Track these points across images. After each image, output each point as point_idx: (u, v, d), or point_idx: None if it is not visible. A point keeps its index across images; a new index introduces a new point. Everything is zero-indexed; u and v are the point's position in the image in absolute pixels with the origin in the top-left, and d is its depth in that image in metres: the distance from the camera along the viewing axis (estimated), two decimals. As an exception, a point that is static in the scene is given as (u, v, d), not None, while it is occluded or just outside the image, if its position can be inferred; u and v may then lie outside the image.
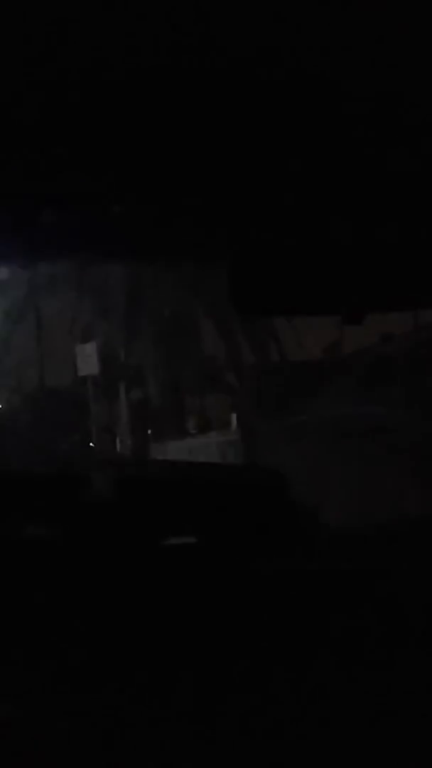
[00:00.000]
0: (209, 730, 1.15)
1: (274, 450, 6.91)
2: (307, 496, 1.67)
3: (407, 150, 1.32)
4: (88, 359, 8.54)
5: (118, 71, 1.11)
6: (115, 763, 1.13)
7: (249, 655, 1.28)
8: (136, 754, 1.13)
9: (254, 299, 1.58)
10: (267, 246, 1.53)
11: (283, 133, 1.25)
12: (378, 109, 1.22)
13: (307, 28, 1.03)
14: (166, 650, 1.31)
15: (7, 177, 1.31)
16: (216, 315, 9.40)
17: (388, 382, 7.01)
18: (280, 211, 1.48)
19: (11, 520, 1.57)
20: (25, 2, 0.95)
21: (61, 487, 1.68)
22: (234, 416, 9.82)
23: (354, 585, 1.43)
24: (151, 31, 1.04)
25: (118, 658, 1.30)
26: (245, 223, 1.52)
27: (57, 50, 1.07)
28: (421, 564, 1.46)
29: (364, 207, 1.46)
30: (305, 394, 7.42)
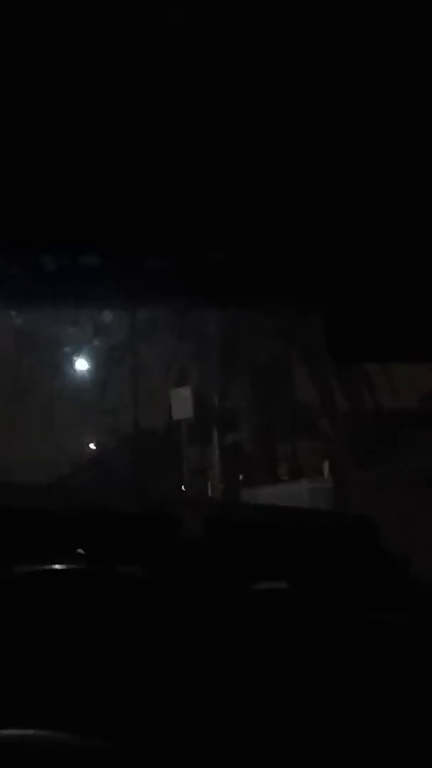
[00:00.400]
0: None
1: (366, 498, 6.82)
2: (399, 546, 1.65)
3: None
4: (182, 403, 8.61)
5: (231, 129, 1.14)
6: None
7: (333, 703, 1.27)
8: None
9: (351, 346, 1.59)
10: (364, 294, 1.54)
11: (386, 185, 1.27)
12: None
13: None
14: (249, 693, 1.31)
15: (114, 226, 1.37)
16: (310, 361, 9.38)
17: None
18: (378, 260, 1.49)
19: (104, 557, 1.61)
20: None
21: (155, 528, 1.71)
22: (326, 463, 9.73)
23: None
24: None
25: (200, 699, 1.30)
26: (343, 271, 1.54)
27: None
28: None
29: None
30: (399, 443, 7.31)
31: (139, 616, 1.46)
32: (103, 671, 1.37)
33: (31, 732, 1.07)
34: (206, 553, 1.65)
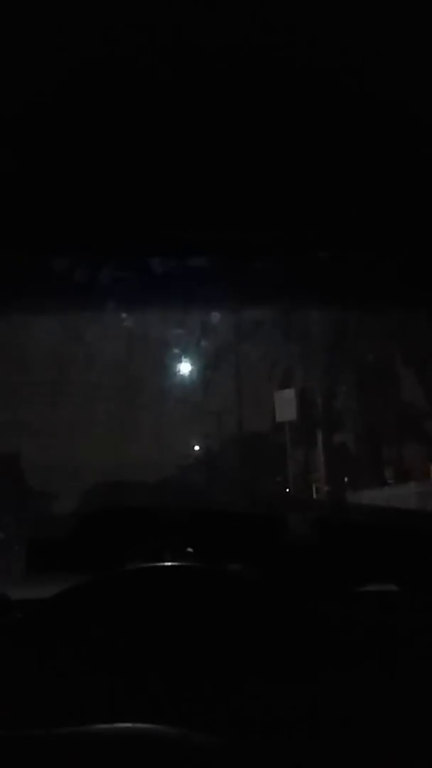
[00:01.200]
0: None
1: None
2: None
3: None
4: (286, 405, 8.56)
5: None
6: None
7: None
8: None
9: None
10: None
11: None
12: None
13: None
14: (355, 696, 1.30)
15: (220, 227, 1.38)
16: (417, 362, 9.19)
17: None
18: None
19: (213, 555, 1.62)
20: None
21: (262, 527, 1.71)
22: (434, 466, 9.52)
23: None
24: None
25: (306, 700, 1.30)
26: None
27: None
28: None
29: None
30: None
31: (246, 614, 1.46)
32: (209, 668, 1.38)
33: (144, 726, 1.09)
34: (314, 554, 1.65)
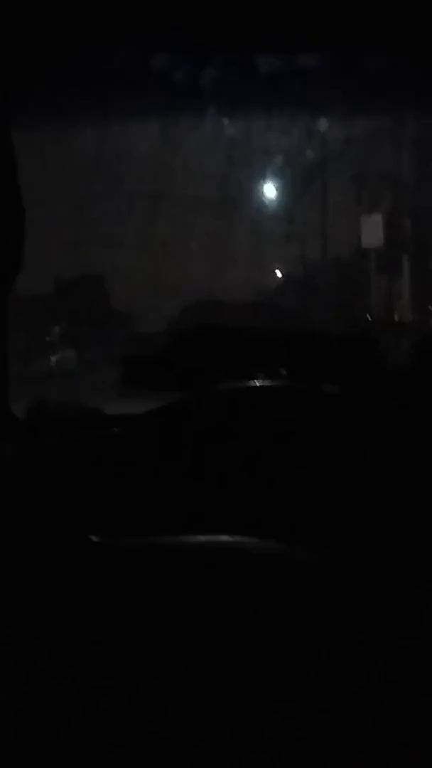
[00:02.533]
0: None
1: None
2: None
3: None
4: (373, 230, 8.32)
5: None
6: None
7: None
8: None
9: None
10: None
11: None
12: None
13: None
14: None
15: (330, 18, 1.26)
16: None
17: None
18: None
19: (306, 375, 1.60)
20: None
21: (356, 349, 1.68)
22: None
23: None
24: None
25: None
26: None
27: None
28: None
29: None
30: None
31: (340, 435, 1.45)
32: (299, 484, 1.38)
33: (244, 539, 1.10)
34: (412, 378, 1.62)
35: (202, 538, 1.11)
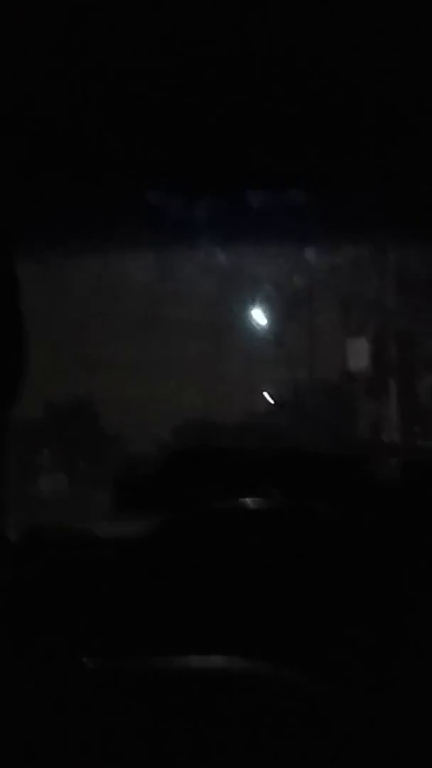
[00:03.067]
0: None
1: None
2: None
3: None
4: (359, 354, 8.48)
5: None
6: None
7: None
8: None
9: None
10: None
11: None
12: None
13: None
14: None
15: (317, 157, 1.34)
16: None
17: None
18: None
19: (297, 494, 1.62)
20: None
21: (347, 469, 1.70)
22: None
23: None
24: None
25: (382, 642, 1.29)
26: None
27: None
28: None
29: None
30: None
31: (330, 554, 1.46)
32: (291, 602, 1.38)
33: (235, 660, 1.09)
34: (402, 498, 1.63)
35: (196, 659, 1.10)
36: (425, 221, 1.55)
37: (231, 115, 1.28)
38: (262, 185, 1.46)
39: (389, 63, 1.15)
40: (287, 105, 1.24)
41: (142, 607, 1.37)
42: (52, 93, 1.24)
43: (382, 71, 1.14)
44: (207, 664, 1.08)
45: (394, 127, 1.25)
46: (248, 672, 1.08)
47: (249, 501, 1.58)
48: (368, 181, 1.41)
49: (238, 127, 1.30)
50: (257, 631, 1.33)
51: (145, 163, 1.40)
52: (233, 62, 1.18)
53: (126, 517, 1.70)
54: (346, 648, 1.31)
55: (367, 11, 1.07)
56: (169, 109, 1.26)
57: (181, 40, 1.13)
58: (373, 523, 1.53)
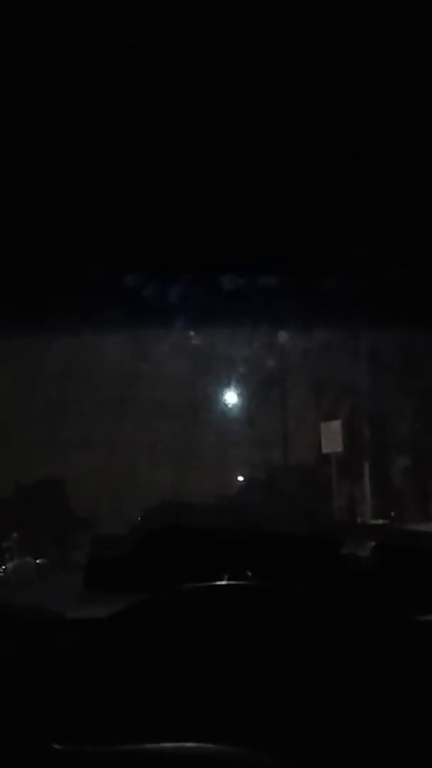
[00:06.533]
0: None
1: None
2: None
3: None
4: (332, 437, 8.46)
5: None
6: None
7: None
8: None
9: None
10: None
11: None
12: None
13: None
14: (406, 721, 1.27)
15: (291, 244, 1.38)
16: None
17: None
18: None
19: (270, 575, 1.61)
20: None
21: (321, 550, 1.70)
22: None
23: None
24: None
25: (353, 719, 1.28)
26: None
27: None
28: None
29: None
30: None
31: (303, 635, 1.45)
32: (266, 684, 1.36)
33: (209, 746, 1.08)
34: (374, 579, 1.63)
35: (167, 745, 1.08)
36: (396, 305, 1.59)
37: (206, 202, 1.32)
38: (236, 269, 1.50)
39: (362, 155, 1.20)
40: (261, 194, 1.28)
41: (112, 690, 1.35)
42: (33, 178, 1.28)
43: (355, 162, 1.19)
44: (179, 751, 1.07)
45: (365, 214, 1.29)
46: (222, 759, 1.06)
47: (222, 582, 1.57)
48: (340, 265, 1.45)
49: (213, 214, 1.34)
50: (231, 714, 1.31)
51: (122, 248, 1.43)
52: (209, 154, 1.22)
53: (97, 599, 1.68)
54: (319, 730, 1.30)
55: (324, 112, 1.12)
56: (146, 196, 1.30)
57: (157, 130, 1.17)
58: (346, 604, 1.52)
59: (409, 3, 0.96)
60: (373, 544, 1.84)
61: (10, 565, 3.55)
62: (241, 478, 3.38)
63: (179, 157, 1.24)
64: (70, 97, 1.09)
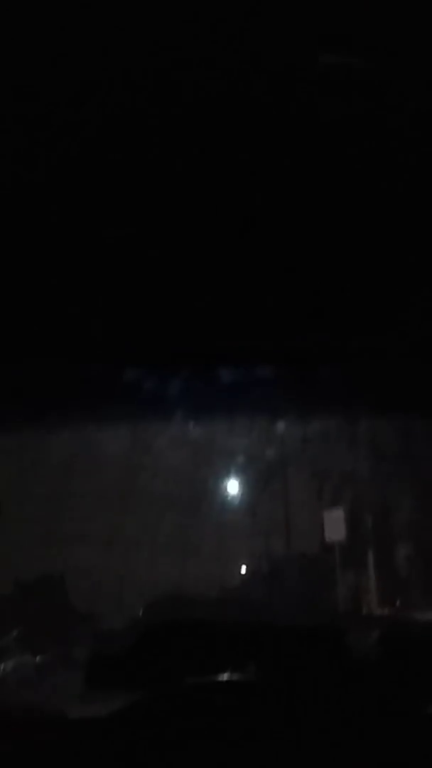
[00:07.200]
0: None
1: None
2: None
3: None
4: (335, 525, 8.39)
5: None
6: None
7: None
8: None
9: None
10: None
11: None
12: None
13: None
14: None
15: (288, 336, 1.41)
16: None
17: None
18: None
19: (272, 668, 1.60)
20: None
21: (323, 643, 1.68)
22: None
23: None
24: None
25: None
26: None
27: None
28: None
29: None
30: None
31: (307, 727, 1.43)
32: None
33: None
34: (379, 671, 1.61)
35: None
36: (393, 392, 1.61)
37: (206, 296, 1.35)
38: (233, 362, 1.52)
39: (357, 248, 1.24)
40: (258, 288, 1.31)
41: None
42: (31, 272, 1.31)
43: (350, 255, 1.22)
44: None
45: (360, 305, 1.33)
46: None
47: (224, 675, 1.55)
48: (337, 355, 1.48)
49: (212, 308, 1.37)
50: None
51: (121, 342, 1.46)
52: (206, 248, 1.26)
53: (98, 697, 1.65)
54: None
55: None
56: (146, 294, 1.33)
57: (154, 224, 1.21)
58: (352, 695, 1.50)
59: None
60: (378, 633, 1.82)
61: (9, 663, 3.48)
62: (244, 568, 3.35)
63: (177, 252, 1.27)
64: (67, 185, 1.13)
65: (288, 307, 1.34)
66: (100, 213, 1.19)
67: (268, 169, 1.10)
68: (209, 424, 1.99)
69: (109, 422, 1.86)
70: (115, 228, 1.20)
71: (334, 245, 1.23)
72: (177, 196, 1.11)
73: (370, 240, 1.20)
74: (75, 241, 1.21)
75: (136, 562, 2.66)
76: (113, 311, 1.39)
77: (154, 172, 1.11)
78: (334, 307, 1.34)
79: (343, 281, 1.27)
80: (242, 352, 1.48)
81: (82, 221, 1.18)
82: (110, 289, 1.34)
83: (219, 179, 1.12)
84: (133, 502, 2.48)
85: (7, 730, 1.49)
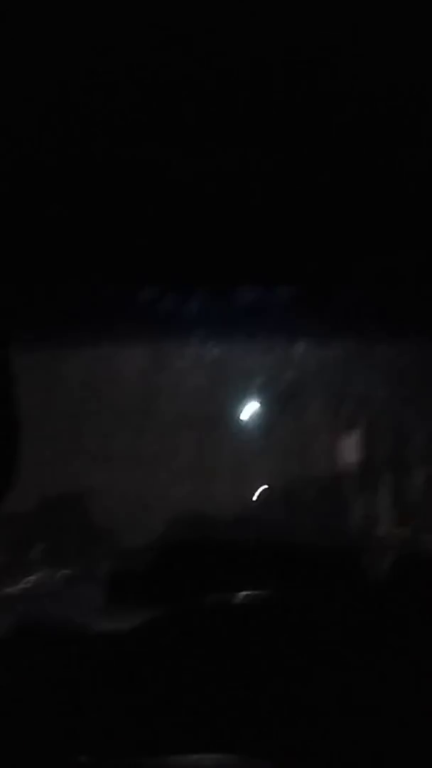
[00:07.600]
0: None
1: None
2: None
3: None
4: (352, 447, 8.43)
5: None
6: None
7: None
8: None
9: None
10: None
11: None
12: None
13: None
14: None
15: (306, 257, 1.39)
16: None
17: None
18: None
19: (290, 588, 1.61)
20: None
21: (341, 563, 1.70)
22: None
23: None
24: None
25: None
26: None
27: None
28: None
29: None
30: None
31: (323, 648, 1.45)
32: (289, 697, 1.36)
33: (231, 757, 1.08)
34: (396, 591, 1.63)
35: (193, 757, 1.09)
36: (414, 316, 1.59)
37: (224, 216, 1.33)
38: (253, 282, 1.51)
39: (378, 171, 1.21)
40: (275, 206, 1.29)
41: (136, 703, 1.35)
42: (48, 192, 1.29)
43: (370, 177, 1.20)
44: (201, 763, 1.07)
45: (381, 226, 1.30)
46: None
47: (242, 594, 1.57)
48: (356, 278, 1.46)
49: (230, 227, 1.35)
50: (253, 727, 1.32)
51: (139, 261, 1.45)
52: (227, 172, 1.23)
53: (119, 612, 1.69)
54: (342, 737, 1.30)
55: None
56: (164, 210, 1.31)
57: (177, 148, 1.19)
58: (366, 617, 1.52)
59: None
60: (394, 555, 1.84)
61: (35, 576, 3.55)
62: (261, 488, 3.39)
63: (193, 175, 1.25)
64: (78, 111, 1.10)
65: (307, 227, 1.32)
66: (114, 130, 1.16)
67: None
68: (227, 345, 1.98)
69: (126, 342, 1.86)
70: (132, 146, 1.17)
71: (349, 162, 1.20)
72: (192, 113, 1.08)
73: (386, 159, 1.17)
74: (92, 158, 1.19)
75: (155, 482, 2.69)
76: (130, 230, 1.37)
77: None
78: (352, 227, 1.31)
79: (360, 198, 1.24)
80: (261, 272, 1.46)
81: (98, 137, 1.16)
82: (129, 208, 1.32)
83: (234, 96, 1.10)
84: (151, 423, 2.50)
85: (33, 643, 1.53)
